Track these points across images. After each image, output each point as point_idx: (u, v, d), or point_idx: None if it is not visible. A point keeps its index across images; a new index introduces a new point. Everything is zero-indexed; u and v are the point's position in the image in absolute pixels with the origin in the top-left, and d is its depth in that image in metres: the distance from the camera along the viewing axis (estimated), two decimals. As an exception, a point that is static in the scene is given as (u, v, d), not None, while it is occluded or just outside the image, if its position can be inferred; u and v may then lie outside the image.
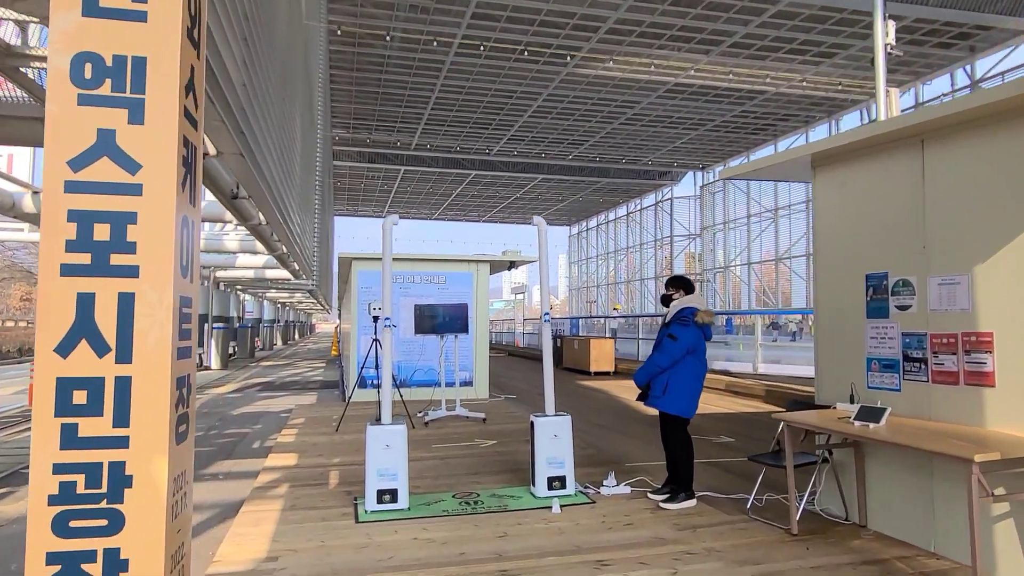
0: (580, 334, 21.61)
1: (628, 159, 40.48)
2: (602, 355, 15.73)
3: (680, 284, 5.90)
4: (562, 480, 5.69)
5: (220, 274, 20.84)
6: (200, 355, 20.45)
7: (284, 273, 19.56)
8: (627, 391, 12.79)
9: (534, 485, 5.78)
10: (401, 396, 9.22)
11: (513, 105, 32.30)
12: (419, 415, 9.68)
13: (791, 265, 35.56)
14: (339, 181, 43.46)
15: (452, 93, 31.05)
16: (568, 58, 27.73)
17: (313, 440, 8.26)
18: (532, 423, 5.93)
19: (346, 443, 8.00)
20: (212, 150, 5.97)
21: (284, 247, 12.80)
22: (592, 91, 30.93)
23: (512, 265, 11.88)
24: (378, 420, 5.82)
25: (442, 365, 9.59)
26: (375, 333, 9.17)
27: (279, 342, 43.50)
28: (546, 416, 5.97)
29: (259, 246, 13.13)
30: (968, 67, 27.86)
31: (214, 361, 20.46)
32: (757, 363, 12.43)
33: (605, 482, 6.01)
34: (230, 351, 25.89)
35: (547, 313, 6.18)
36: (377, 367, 9.26)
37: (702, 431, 8.48)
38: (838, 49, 27.00)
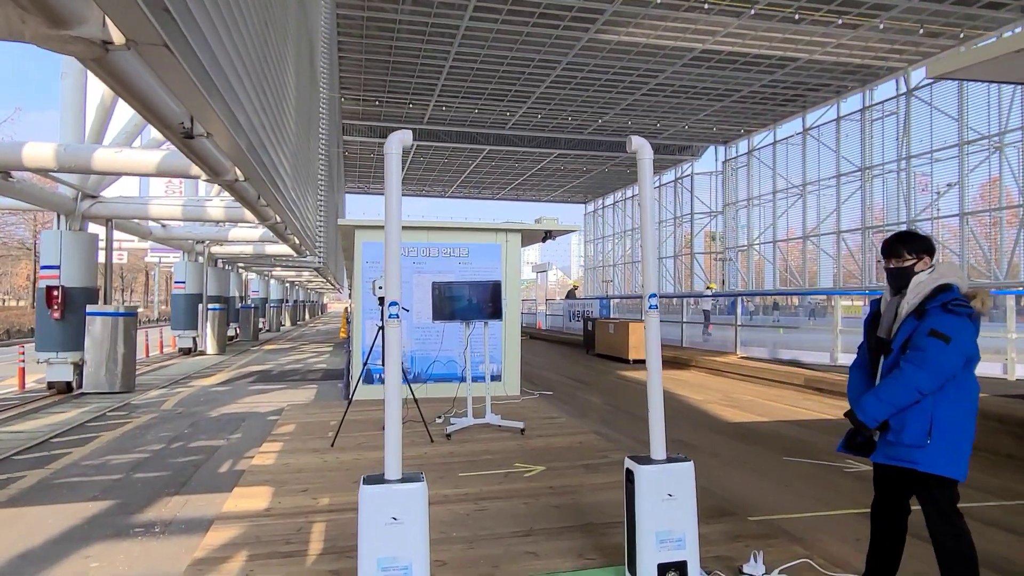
0: (612, 316, 19.32)
1: (648, 132, 37.92)
2: (643, 341, 13.44)
3: (921, 245, 3.36)
4: (681, 568, 3.37)
5: (216, 250, 18.64)
6: (194, 339, 18.31)
7: (285, 249, 17.28)
8: (686, 387, 10.48)
9: (633, 572, 3.48)
10: (414, 397, 6.93)
11: (530, 74, 29.80)
12: (438, 420, 7.37)
13: (819, 243, 33.08)
14: (349, 158, 41.09)
15: (466, 61, 28.58)
16: (591, 23, 25.25)
17: (299, 462, 6.01)
18: (630, 473, 3.59)
19: (342, 467, 5.76)
20: (118, 38, 3.68)
21: (277, 216, 10.53)
22: (614, 59, 28.39)
23: (548, 235, 9.57)
24: (380, 480, 3.78)
25: (468, 358, 7.30)
26: (381, 319, 6.90)
27: (287, 323, 41.36)
28: (654, 464, 3.65)
29: (248, 215, 10.89)
30: (1020, 28, 25.15)
31: (210, 345, 18.31)
32: (836, 352, 10.15)
33: (747, 568, 3.66)
34: (231, 334, 23.73)
35: (654, 295, 3.84)
36: (384, 361, 6.96)
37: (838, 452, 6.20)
38: (880, 11, 24.38)
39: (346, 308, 40.11)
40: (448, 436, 6.90)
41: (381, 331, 6.89)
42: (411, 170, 44.61)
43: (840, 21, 25.15)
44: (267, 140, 7.25)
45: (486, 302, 6.86)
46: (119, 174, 8.67)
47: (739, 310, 12.56)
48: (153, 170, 7.34)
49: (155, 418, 8.58)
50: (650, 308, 3.77)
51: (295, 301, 48.25)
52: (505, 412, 7.55)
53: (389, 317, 3.41)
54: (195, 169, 7.38)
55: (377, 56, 28.25)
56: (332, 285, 49.58)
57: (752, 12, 24.39)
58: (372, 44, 27.13)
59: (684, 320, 14.62)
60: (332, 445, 6.66)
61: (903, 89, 29.32)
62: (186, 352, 18.26)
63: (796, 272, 34.79)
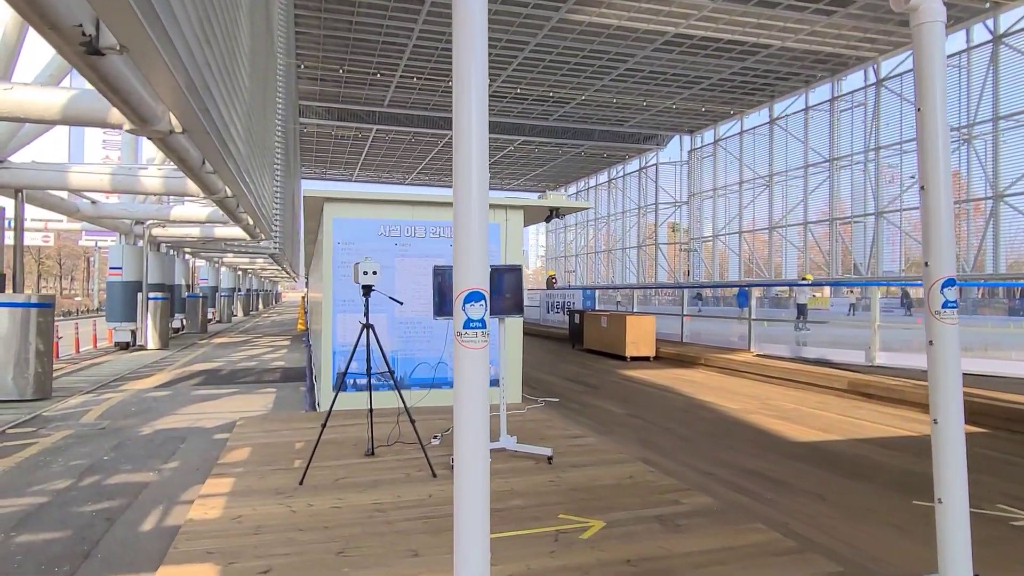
0: (596, 308, 17.72)
1: (614, 121, 36.54)
2: (641, 336, 11.94)
3: None
4: None
5: (158, 232, 16.43)
6: (133, 332, 16.09)
7: (238, 232, 15.19)
8: (708, 391, 8.95)
9: None
10: (410, 417, 5.20)
11: (497, 56, 28.02)
12: (433, 441, 5.63)
13: (785, 234, 32.20)
14: (306, 141, 38.66)
15: (431, 41, 26.64)
16: (564, 0, 23.62)
17: (256, 514, 4.24)
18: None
19: (318, 523, 4.02)
20: None
21: (226, 187, 8.60)
22: (584, 41, 26.83)
23: (554, 213, 7.91)
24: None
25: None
26: (365, 313, 5.15)
27: (239, 313, 38.77)
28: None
29: (191, 186, 8.91)
30: (990, 20, 24.47)
31: (151, 339, 16.10)
32: (874, 352, 8.76)
33: None
34: (176, 326, 21.39)
35: (951, 282, 2.29)
36: (369, 369, 5.25)
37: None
38: (856, -3, 23.36)
39: (303, 297, 37.85)
40: (454, 468, 5.09)
41: (367, 330, 5.12)
42: (369, 155, 42.40)
43: (814, 7, 24.07)
44: (214, 85, 5.38)
45: (504, 293, 5.17)
46: (5, 119, 6.64)
47: (753, 303, 11.15)
48: (56, 115, 5.41)
49: (69, 437, 6.65)
50: (945, 306, 2.16)
51: (248, 290, 45.52)
52: (512, 427, 5.85)
53: (468, 326, 1.76)
54: (115, 116, 5.47)
55: (336, 33, 26.15)
56: (288, 273, 47.05)
57: (729, -6, 23.12)
58: (331, 20, 25.04)
59: (684, 312, 13.15)
60: (301, 482, 4.88)
61: (872, 79, 28.49)
62: (123, 347, 16.07)
63: (761, 263, 33.89)
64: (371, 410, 5.48)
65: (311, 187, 9.34)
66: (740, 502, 4.32)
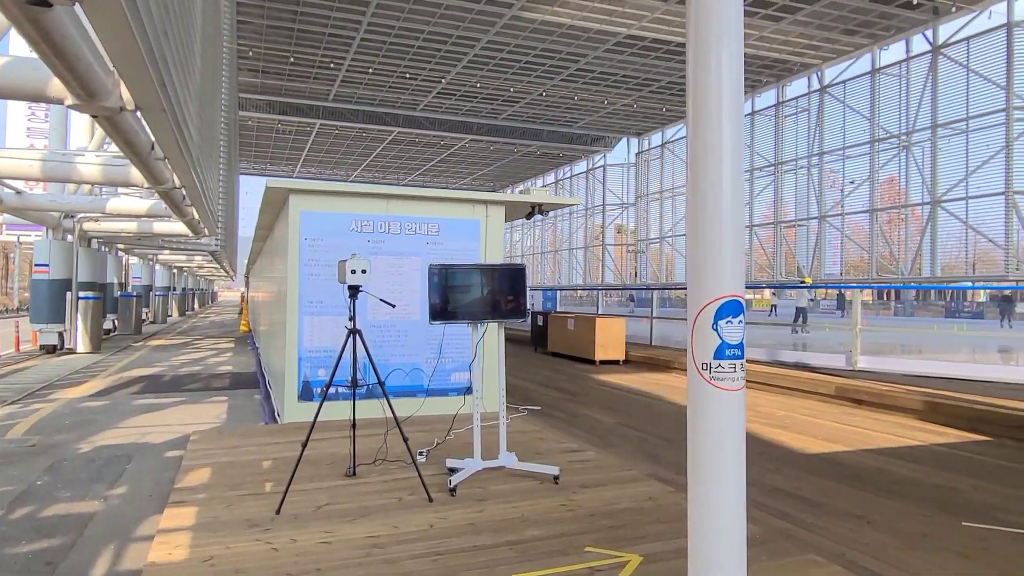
0: (558, 310, 17.25)
1: (563, 121, 36.33)
2: (611, 339, 11.57)
3: None
4: None
5: (90, 226, 15.17)
6: (61, 334, 14.81)
7: (179, 227, 14.14)
8: (684, 395, 8.63)
9: None
10: (402, 433, 4.63)
11: (447, 52, 27.39)
12: (419, 457, 5.05)
13: (731, 236, 32.54)
14: (244, 135, 37.16)
15: (379, 35, 25.83)
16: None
17: (231, 554, 3.61)
18: None
19: (306, 562, 3.43)
20: None
21: (176, 177, 7.79)
22: (536, 40, 26.47)
23: (537, 210, 7.41)
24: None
25: (478, 372, 5.07)
26: (351, 316, 4.55)
27: (175, 313, 36.91)
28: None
29: (134, 175, 8.02)
30: (929, 31, 25.17)
31: (81, 342, 14.84)
32: (856, 355, 8.58)
33: None
34: (107, 327, 19.97)
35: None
36: (355, 381, 4.65)
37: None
38: (804, 4, 23.67)
39: (242, 296, 36.41)
40: (452, 491, 4.58)
41: (353, 336, 4.52)
42: (312, 151, 41.10)
43: (764, 12, 24.31)
44: (171, 58, 4.69)
45: (505, 295, 4.65)
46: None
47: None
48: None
49: (-6, 456, 5.80)
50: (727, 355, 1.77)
51: (184, 289, 43.45)
52: (498, 440, 5.33)
53: (723, 355, 1.22)
54: (56, 88, 4.70)
55: (280, 24, 25.08)
56: (226, 272, 45.24)
57: (681, -3, 23.11)
58: (275, 9, 23.95)
59: (653, 315, 12.83)
60: (279, 511, 4.24)
61: (816, 86, 29.02)
62: (50, 350, 14.79)
63: (707, 265, 34.20)
64: (354, 424, 4.87)
65: (250, 183, 8.56)
66: (780, 527, 3.92)
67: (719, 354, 1.80)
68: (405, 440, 4.67)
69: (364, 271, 4.39)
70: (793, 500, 4.43)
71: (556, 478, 4.74)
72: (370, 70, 29.22)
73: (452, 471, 4.85)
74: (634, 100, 32.76)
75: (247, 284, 31.04)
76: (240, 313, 29.51)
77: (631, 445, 6.09)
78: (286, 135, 37.83)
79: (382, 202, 7.10)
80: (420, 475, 4.57)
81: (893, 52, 26.49)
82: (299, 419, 6.78)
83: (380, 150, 40.42)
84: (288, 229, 6.83)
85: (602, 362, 11.54)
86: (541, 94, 31.82)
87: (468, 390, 7.47)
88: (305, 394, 6.85)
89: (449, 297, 4.52)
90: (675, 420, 7.20)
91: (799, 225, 29.67)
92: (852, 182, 28.06)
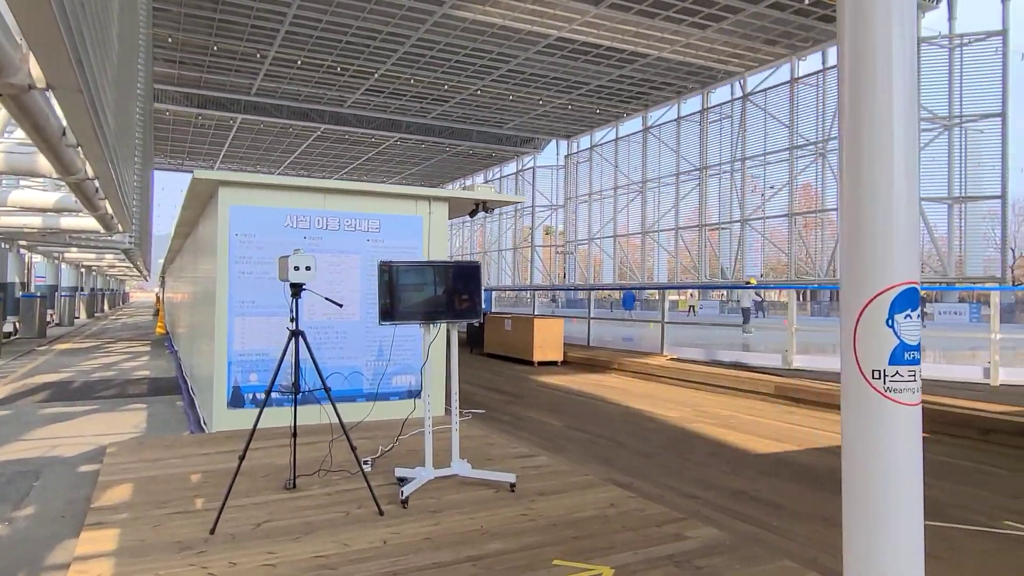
0: (494, 310, 17.02)
1: (493, 121, 36.19)
2: (549, 340, 11.43)
3: None
4: None
5: (-12, 223, 13.95)
6: (-45, 338, 13.56)
7: (90, 223, 13.18)
8: (636, 398, 8.53)
9: None
10: (350, 442, 4.33)
11: (376, 49, 26.83)
12: (365, 467, 4.75)
13: (657, 239, 33.17)
14: (160, 128, 35.38)
15: (305, 28, 25.04)
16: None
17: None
18: None
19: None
20: None
21: (90, 167, 7.17)
22: (467, 39, 26.23)
23: (481, 207, 7.18)
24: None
25: (427, 376, 4.82)
26: (292, 316, 4.22)
27: (82, 315, 34.79)
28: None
29: (41, 164, 7.31)
30: (844, 44, 26.26)
31: (-22, 346, 13.63)
32: (791, 355, 8.72)
33: None
34: (7, 330, 18.52)
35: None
36: (298, 385, 4.34)
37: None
38: (728, 13, 24.31)
39: (157, 297, 34.67)
40: (404, 503, 4.31)
41: (296, 338, 4.19)
42: (233, 146, 39.58)
43: (690, 20, 24.84)
44: (88, 34, 4.25)
45: (459, 295, 4.41)
46: None
47: (665, 305, 10.95)
48: None
49: None
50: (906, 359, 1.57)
51: (93, 289, 41.01)
52: (450, 445, 5.10)
53: (902, 359, 0.98)
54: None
55: (200, 13, 23.99)
56: (140, 272, 42.99)
57: (611, 1, 23.35)
58: (195, -2, 22.93)
59: (591, 315, 12.79)
60: (213, 531, 3.87)
61: (739, 93, 29.88)
62: (-57, 355, 13.54)
63: (634, 267, 34.73)
64: (295, 434, 4.52)
65: (166, 179, 7.99)
66: (747, 532, 3.82)
67: (896, 358, 1.50)
68: (353, 449, 4.35)
69: (308, 268, 4.06)
70: (755, 503, 4.36)
71: (512, 486, 4.52)
72: (296, 64, 28.32)
73: (402, 481, 4.56)
74: (564, 102, 32.94)
75: (163, 284, 29.53)
76: (156, 314, 27.98)
77: (582, 448, 5.94)
78: (205, 129, 36.29)
79: (320, 197, 6.72)
80: (369, 486, 4.26)
81: (811, 62, 27.58)
82: (229, 427, 6.33)
83: (305, 147, 39.30)
84: (217, 224, 6.36)
85: (540, 363, 11.41)
86: (476, 92, 31.59)
87: (411, 394, 7.19)
88: (236, 400, 6.41)
89: (401, 296, 4.24)
90: (622, 422, 7.11)
91: (723, 228, 30.50)
92: (772, 187, 29.04)
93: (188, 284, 11.56)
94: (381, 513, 4.15)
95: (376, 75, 29.49)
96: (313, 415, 6.06)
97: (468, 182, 46.51)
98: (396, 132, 35.97)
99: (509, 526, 3.86)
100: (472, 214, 7.35)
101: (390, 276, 4.23)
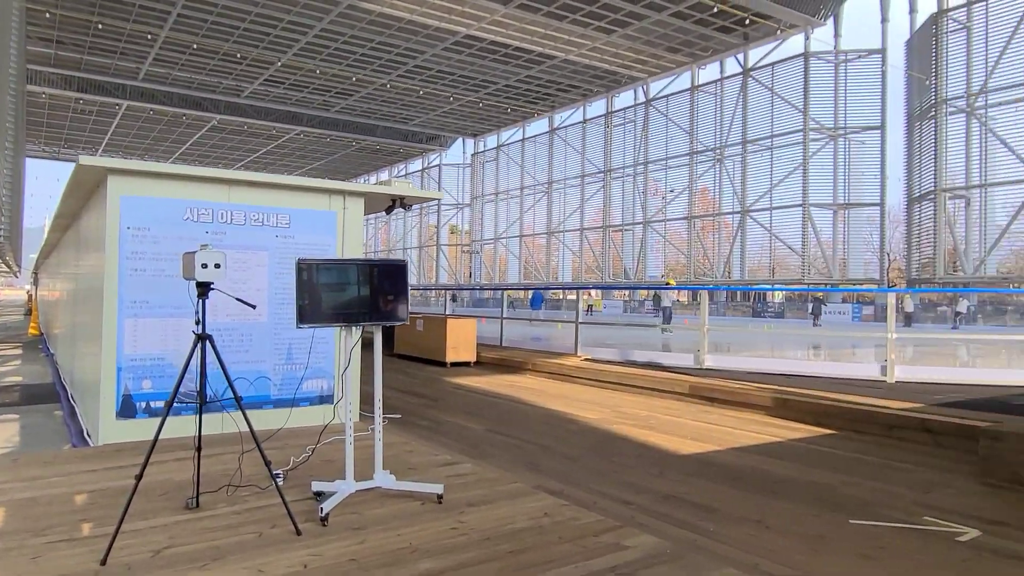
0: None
1: (399, 118, 35.52)
2: (462, 340, 11.17)
3: None
4: None
5: None
6: None
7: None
8: (556, 400, 8.41)
9: None
10: (264, 456, 3.96)
11: (277, 37, 25.77)
12: (276, 480, 4.34)
13: (562, 239, 33.56)
14: (34, 113, 32.61)
15: (200, 12, 23.73)
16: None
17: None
18: None
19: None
20: None
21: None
22: (373, 32, 25.64)
23: (398, 203, 6.87)
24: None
25: (346, 382, 4.51)
26: (198, 319, 3.82)
27: (-58, 314, 31.59)
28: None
29: None
30: (741, 55, 27.46)
31: None
32: (703, 355, 8.89)
33: None
34: None
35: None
36: (203, 392, 3.95)
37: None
38: (633, 19, 24.89)
39: (29, 295, 31.98)
40: (324, 520, 3.99)
41: (203, 342, 3.80)
42: (117, 134, 37.08)
43: (596, 24, 25.26)
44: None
45: (385, 295, 4.12)
46: None
47: (579, 307, 10.94)
48: None
49: None
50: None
51: (-50, 287, 37.29)
52: (369, 454, 4.83)
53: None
54: None
55: (81, -12, 22.32)
56: (9, 268, 39.47)
57: (520, 1, 23.41)
58: (76, -30, 21.30)
59: (504, 315, 12.63)
60: (104, 561, 3.42)
61: (642, 98, 30.61)
62: None
63: (539, 266, 35.00)
64: (199, 448, 4.10)
65: (40, 167, 7.27)
66: (686, 538, 3.74)
67: None
68: (267, 463, 3.98)
69: (218, 265, 3.68)
70: (688, 506, 4.31)
71: (440, 497, 4.26)
72: (190, 49, 26.79)
73: (320, 495, 4.22)
74: (472, 101, 32.78)
75: (36, 281, 27.19)
76: (28, 314, 25.72)
77: (507, 453, 5.76)
78: (85, 115, 33.76)
79: (224, 188, 6.21)
80: (285, 502, 3.90)
81: (710, 71, 28.64)
82: (118, 440, 5.75)
83: (197, 137, 37.31)
84: (106, 217, 5.76)
85: (453, 364, 11.16)
86: (383, 87, 30.89)
87: (323, 400, 6.78)
88: (126, 410, 5.83)
89: (322, 297, 3.91)
90: (544, 424, 6.98)
91: (625, 229, 31.20)
92: (672, 190, 29.97)
93: (68, 281, 10.58)
94: (299, 533, 3.80)
95: (276, 65, 28.34)
96: (214, 424, 5.59)
97: (372, 179, 45.51)
98: (297, 125, 34.72)
99: (440, 542, 3.62)
100: (388, 210, 7.03)
101: (310, 275, 3.89)
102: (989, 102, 20.84)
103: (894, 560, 3.42)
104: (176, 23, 24.46)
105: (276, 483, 4.09)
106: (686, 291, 30.42)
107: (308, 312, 3.84)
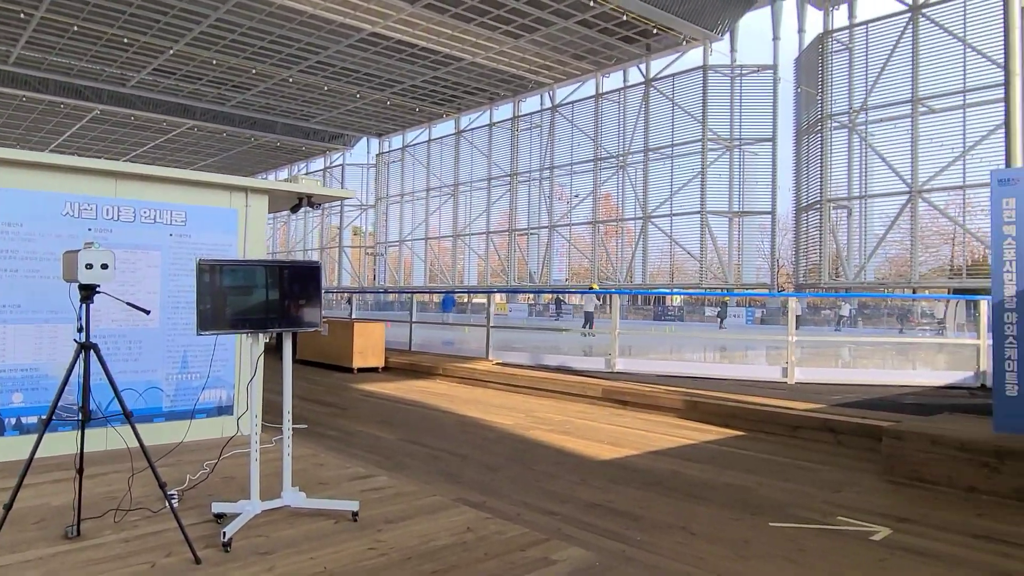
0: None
1: (300, 114, 34.32)
2: (370, 345, 10.76)
3: None
4: None
5: None
6: None
7: None
8: (465, 404, 8.21)
9: None
10: (157, 476, 3.60)
11: (168, 24, 24.34)
12: (171, 500, 3.98)
13: (469, 242, 33.44)
14: None
15: (83, -9, 22.11)
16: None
17: None
18: None
19: None
20: None
21: None
22: (273, 25, 24.69)
23: (305, 202, 6.49)
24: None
25: (251, 392, 4.20)
26: (80, 325, 3.43)
27: None
28: None
29: None
30: (643, 65, 28.22)
31: None
32: (614, 358, 8.92)
33: None
34: None
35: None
36: (87, 406, 3.58)
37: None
38: (540, 25, 25.11)
39: None
40: (226, 546, 3.66)
41: (86, 352, 3.41)
42: (-16, 123, 34.05)
43: (504, 29, 25.31)
44: None
45: (296, 299, 3.84)
46: None
47: (491, 310, 10.78)
48: None
49: None
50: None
51: None
52: (275, 469, 4.54)
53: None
54: None
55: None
56: None
57: (427, 1, 23.14)
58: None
59: (414, 320, 12.29)
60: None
61: (548, 104, 30.92)
62: None
63: (445, 269, 34.71)
64: (81, 468, 3.70)
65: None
66: (614, 548, 3.66)
67: None
68: (162, 485, 3.62)
69: (105, 266, 3.30)
70: (613, 515, 4.23)
71: (355, 514, 4.00)
72: (69, 32, 24.86)
73: (221, 517, 3.87)
74: (377, 100, 32.11)
75: None
76: None
77: (423, 464, 5.53)
78: (-57, 100, 30.85)
79: (110, 182, 5.69)
80: (181, 526, 3.54)
81: (614, 80, 29.27)
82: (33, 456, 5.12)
83: (77, 128, 34.76)
84: (-32, 209, 5.16)
85: (360, 370, 10.76)
86: (284, 81, 29.73)
87: (222, 411, 6.34)
88: (-10, 428, 5.24)
89: (227, 301, 3.59)
90: (459, 432, 6.78)
91: (531, 233, 31.41)
92: (577, 196, 30.43)
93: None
94: (198, 561, 3.45)
95: (167, 54, 26.79)
96: (98, 441, 5.08)
97: (271, 177, 43.86)
98: (190, 119, 32.96)
99: (358, 564, 3.38)
100: (294, 209, 6.65)
101: (212, 277, 3.56)
102: (869, 119, 22.29)
103: (816, 562, 3.47)
104: (53, 3, 22.66)
105: (171, 505, 3.71)
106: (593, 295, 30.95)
107: (210, 317, 3.50)
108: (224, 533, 3.56)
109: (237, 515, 3.79)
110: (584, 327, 18.75)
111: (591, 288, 22.44)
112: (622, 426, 6.71)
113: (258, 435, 4.09)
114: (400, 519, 3.94)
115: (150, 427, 5.77)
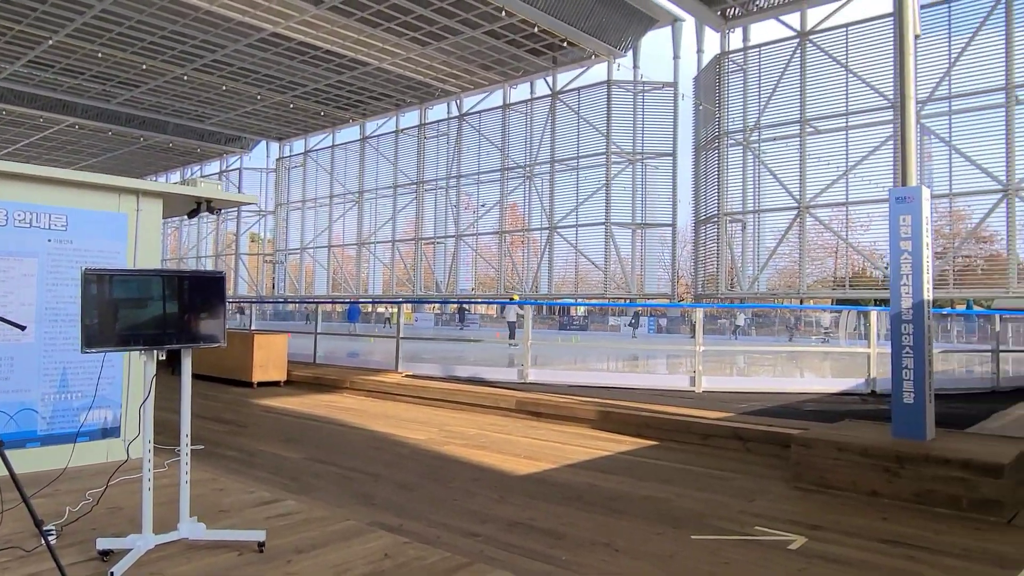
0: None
1: (194, 115, 32.67)
2: (272, 358, 10.18)
3: None
4: None
5: None
6: None
7: None
8: (375, 419, 7.89)
9: None
10: (30, 509, 3.22)
11: (46, 14, 22.64)
12: (49, 537, 3.60)
13: (374, 251, 32.80)
14: None
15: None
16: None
17: None
18: None
19: None
20: None
21: None
22: (165, 19, 23.41)
23: (204, 207, 6.05)
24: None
25: (146, 415, 3.86)
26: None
27: None
28: None
29: None
30: (550, 78, 28.61)
31: None
32: (527, 369, 8.84)
33: None
34: None
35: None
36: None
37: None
38: (448, 34, 25.00)
39: None
40: (113, 585, 3.33)
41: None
42: None
43: (411, 35, 25.03)
44: None
45: (197, 313, 3.53)
46: None
47: (400, 320, 10.47)
48: None
49: None
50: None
51: None
52: (169, 497, 4.21)
53: None
54: None
55: None
56: None
57: (331, 3, 22.57)
58: None
59: (318, 331, 11.77)
60: None
61: (455, 112, 30.83)
62: None
63: (349, 278, 33.90)
64: (-61, 508, 3.27)
65: None
66: (539, 571, 3.55)
67: None
68: (35, 517, 3.25)
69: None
70: (536, 533, 4.12)
71: (261, 545, 3.72)
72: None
73: (107, 555, 3.51)
74: (278, 102, 31.02)
75: None
76: None
77: (334, 485, 5.24)
78: None
79: (-24, 179, 5.14)
80: (60, 566, 3.19)
81: (521, 91, 29.49)
82: None
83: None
84: None
85: (261, 384, 10.22)
86: (177, 79, 28.20)
87: (107, 433, 5.85)
88: None
89: (118, 315, 3.24)
90: (370, 449, 6.50)
91: (437, 242, 31.14)
92: (483, 205, 30.43)
93: None
94: (78, 605, 3.10)
95: (45, 45, 24.90)
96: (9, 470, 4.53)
97: (162, 179, 41.56)
98: (70, 115, 30.76)
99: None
100: (192, 214, 6.21)
101: (100, 288, 3.21)
102: (762, 137, 23.43)
103: (739, 573, 3.49)
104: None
105: (47, 542, 3.32)
106: (495, 305, 31.00)
107: (97, 333, 3.15)
108: (112, 573, 3.21)
109: (127, 551, 3.43)
110: (511, 338, 18.81)
111: (512, 299, 22.44)
112: (537, 439, 6.63)
113: (151, 460, 3.73)
114: (311, 548, 3.68)
115: (23, 453, 5.22)
